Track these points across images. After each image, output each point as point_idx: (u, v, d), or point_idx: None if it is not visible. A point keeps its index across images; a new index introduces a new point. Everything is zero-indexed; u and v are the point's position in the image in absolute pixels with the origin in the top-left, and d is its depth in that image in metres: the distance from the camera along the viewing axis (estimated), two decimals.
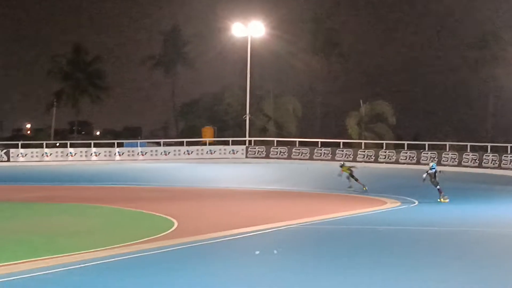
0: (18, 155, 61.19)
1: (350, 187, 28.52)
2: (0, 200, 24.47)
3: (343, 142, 52.98)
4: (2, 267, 10.87)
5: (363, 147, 51.90)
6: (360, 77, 76.82)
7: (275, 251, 12.51)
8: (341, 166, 30.14)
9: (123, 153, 60.89)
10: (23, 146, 63.84)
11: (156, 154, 60.60)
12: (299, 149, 53.55)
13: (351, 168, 29.71)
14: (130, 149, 61.91)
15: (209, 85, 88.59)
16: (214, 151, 59.71)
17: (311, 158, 51.28)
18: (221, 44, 73.05)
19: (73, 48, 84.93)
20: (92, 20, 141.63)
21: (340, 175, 29.06)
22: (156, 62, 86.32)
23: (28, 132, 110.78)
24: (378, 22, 79.76)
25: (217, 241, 14.15)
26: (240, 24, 61.44)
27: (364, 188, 28.07)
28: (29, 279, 10.09)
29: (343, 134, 61.76)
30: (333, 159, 49.06)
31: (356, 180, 28.70)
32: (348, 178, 28.93)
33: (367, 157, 48.92)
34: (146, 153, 60.90)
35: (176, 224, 16.69)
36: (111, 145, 63.09)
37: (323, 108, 76.01)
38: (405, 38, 78.91)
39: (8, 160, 60.47)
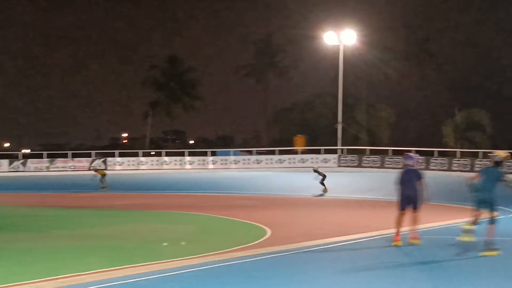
0: (115, 164, 62.81)
1: (103, 187, 35.05)
2: (97, 207, 25.18)
3: (438, 151, 51.92)
4: (99, 273, 11.12)
5: (458, 156, 50.78)
6: (455, 83, 75.10)
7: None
8: (96, 170, 37.96)
9: (216, 161, 61.67)
10: (120, 155, 65.52)
11: (248, 163, 61.05)
12: (392, 158, 52.88)
13: (105, 172, 37.63)
14: (223, 157, 62.63)
15: (300, 94, 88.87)
16: (306, 160, 59.64)
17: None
18: (313, 52, 73.08)
19: (168, 58, 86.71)
20: (186, 31, 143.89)
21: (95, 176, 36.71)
22: (248, 71, 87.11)
23: (125, 141, 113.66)
24: (473, 27, 77.83)
25: (310, 250, 14.08)
26: (332, 33, 61.26)
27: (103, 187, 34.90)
28: (125, 285, 10.28)
29: (437, 142, 60.59)
30: (427, 168, 48.19)
31: (102, 181, 35.71)
32: (100, 180, 35.71)
33: (462, 166, 47.83)
34: (238, 161, 61.43)
35: (269, 232, 16.73)
36: (205, 154, 63.98)
37: (417, 115, 74.82)
38: (502, 44, 76.69)
39: (106, 169, 62.13)
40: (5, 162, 62.98)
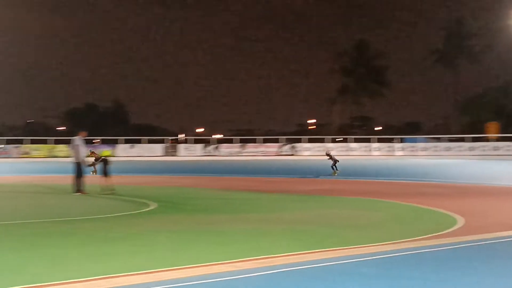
0: (303, 150, 63.76)
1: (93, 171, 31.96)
2: (285, 192, 25.73)
3: None
4: (291, 256, 11.38)
5: None
6: None
7: None
8: (93, 153, 33.69)
9: (404, 148, 60.87)
10: (307, 141, 66.36)
11: (437, 150, 59.72)
12: None
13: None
14: (411, 144, 61.69)
15: (494, 79, 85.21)
16: (500, 148, 57.39)
17: None
18: (508, 35, 69.90)
19: (356, 44, 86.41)
20: (374, 16, 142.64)
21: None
22: (437, 57, 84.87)
23: (312, 127, 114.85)
24: None
25: (506, 240, 13.58)
26: None
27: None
28: (318, 269, 10.46)
29: None
30: None
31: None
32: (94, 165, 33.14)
33: None
34: (427, 148, 60.23)
35: (460, 221, 16.32)
36: (392, 140, 63.33)
37: None
38: None
39: (294, 154, 63.25)
40: (199, 146, 65.93)
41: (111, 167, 25.86)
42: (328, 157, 36.49)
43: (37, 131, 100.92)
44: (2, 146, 69.17)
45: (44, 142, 72.52)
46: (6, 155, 67.21)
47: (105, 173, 25.58)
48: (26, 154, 68.48)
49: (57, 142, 71.66)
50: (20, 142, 72.72)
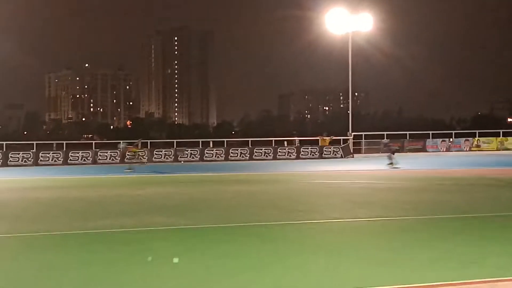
0: None
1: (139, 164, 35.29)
2: None
3: None
4: None
5: None
6: None
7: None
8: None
9: None
10: None
11: None
12: None
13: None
14: None
15: None
16: None
17: None
18: None
19: None
20: None
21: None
22: None
23: None
24: None
25: None
26: None
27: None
28: None
29: None
30: None
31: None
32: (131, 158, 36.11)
33: None
34: None
35: None
36: None
37: None
38: None
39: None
40: None
41: None
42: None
43: (486, 124, 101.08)
44: (451, 139, 70.67)
45: (494, 134, 72.25)
46: (457, 148, 68.60)
47: None
48: (477, 147, 69.00)
49: (506, 134, 70.81)
50: (470, 135, 73.53)
